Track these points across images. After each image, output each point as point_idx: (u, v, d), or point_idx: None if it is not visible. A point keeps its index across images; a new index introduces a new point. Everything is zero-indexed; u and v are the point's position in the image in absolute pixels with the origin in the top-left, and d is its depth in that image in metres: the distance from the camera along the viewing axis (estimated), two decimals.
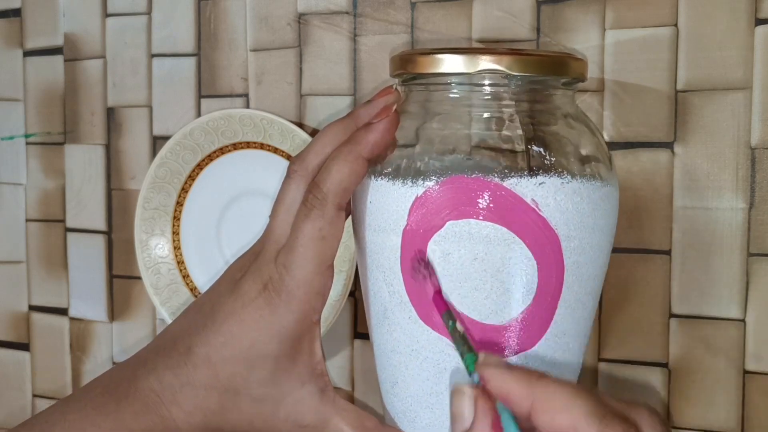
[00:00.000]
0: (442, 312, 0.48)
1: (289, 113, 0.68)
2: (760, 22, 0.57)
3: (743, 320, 0.60)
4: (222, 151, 0.69)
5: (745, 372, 0.60)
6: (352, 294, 0.67)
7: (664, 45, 0.59)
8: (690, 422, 0.61)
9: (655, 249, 0.61)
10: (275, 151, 0.67)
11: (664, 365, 0.62)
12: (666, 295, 0.61)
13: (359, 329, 0.68)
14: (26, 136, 0.77)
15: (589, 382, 0.63)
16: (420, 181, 0.49)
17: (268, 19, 0.68)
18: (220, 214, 0.70)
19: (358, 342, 0.69)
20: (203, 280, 0.71)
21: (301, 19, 0.67)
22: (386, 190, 0.50)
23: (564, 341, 0.50)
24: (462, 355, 0.46)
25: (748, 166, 0.58)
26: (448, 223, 0.48)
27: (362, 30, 0.66)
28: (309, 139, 0.64)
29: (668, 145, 0.60)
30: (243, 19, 0.69)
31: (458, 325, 0.47)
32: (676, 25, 0.59)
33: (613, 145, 0.61)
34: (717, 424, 0.61)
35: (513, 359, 0.50)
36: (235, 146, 0.68)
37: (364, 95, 0.66)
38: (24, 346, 0.80)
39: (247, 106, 0.69)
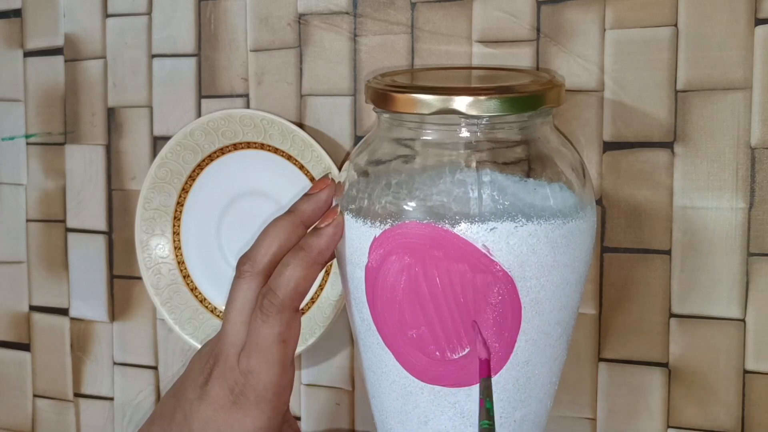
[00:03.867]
0: (482, 377, 0.48)
1: (289, 113, 0.68)
2: (760, 22, 0.57)
3: (743, 320, 0.60)
4: (222, 151, 0.69)
5: (745, 372, 0.60)
6: None
7: (664, 45, 0.59)
8: (690, 422, 0.61)
9: (655, 249, 0.61)
10: (275, 151, 0.67)
11: (664, 365, 0.62)
12: (666, 295, 0.61)
13: None
14: (27, 136, 0.77)
15: (590, 382, 0.63)
16: (378, 223, 0.50)
17: (268, 20, 0.68)
18: (221, 214, 0.70)
19: None
20: (204, 280, 0.71)
21: (301, 19, 0.67)
22: (350, 226, 0.51)
23: (527, 369, 0.51)
24: (480, 428, 0.46)
25: (748, 166, 0.58)
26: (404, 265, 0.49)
27: (362, 30, 0.66)
28: (309, 139, 0.64)
29: (668, 145, 0.60)
30: (243, 19, 0.69)
31: (489, 400, 0.47)
32: (676, 25, 0.59)
33: (613, 145, 0.61)
34: (717, 424, 0.61)
35: (473, 387, 0.50)
36: (236, 146, 0.68)
37: (364, 95, 0.66)
38: (24, 347, 0.80)
39: (248, 107, 0.69)
